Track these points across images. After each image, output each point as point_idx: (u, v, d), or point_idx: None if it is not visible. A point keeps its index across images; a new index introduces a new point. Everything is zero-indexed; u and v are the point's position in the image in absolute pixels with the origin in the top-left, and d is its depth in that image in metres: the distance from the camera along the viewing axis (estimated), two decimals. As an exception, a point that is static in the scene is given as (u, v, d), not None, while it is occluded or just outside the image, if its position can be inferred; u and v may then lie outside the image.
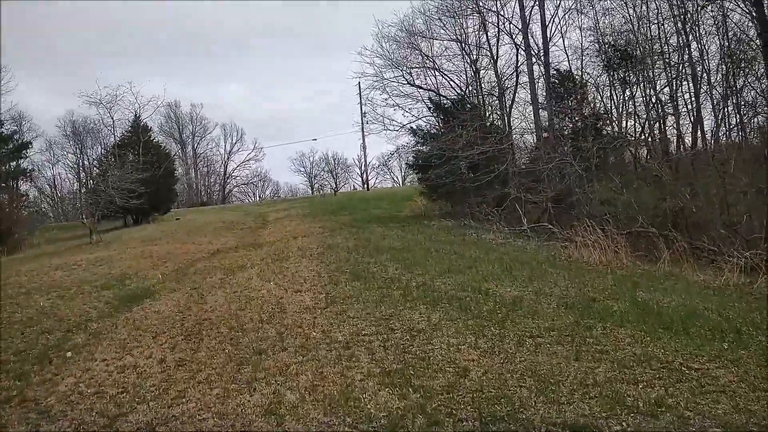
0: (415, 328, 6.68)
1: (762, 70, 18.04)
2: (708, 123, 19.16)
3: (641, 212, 15.34)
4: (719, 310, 7.27)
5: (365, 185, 53.32)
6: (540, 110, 21.15)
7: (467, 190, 21.57)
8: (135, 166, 24.91)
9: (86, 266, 14.10)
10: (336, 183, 51.96)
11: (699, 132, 18.64)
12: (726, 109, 19.25)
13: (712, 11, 18.74)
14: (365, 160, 51.48)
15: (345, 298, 8.69)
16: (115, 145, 29.04)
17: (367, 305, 8.09)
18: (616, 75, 20.96)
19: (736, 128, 19.48)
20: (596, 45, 21.25)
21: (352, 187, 58.33)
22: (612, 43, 20.37)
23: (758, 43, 17.71)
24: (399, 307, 7.83)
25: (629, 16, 20.40)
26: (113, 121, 29.27)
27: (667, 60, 19.80)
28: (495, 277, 9.90)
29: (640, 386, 4.59)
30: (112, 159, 26.95)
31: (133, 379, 5.80)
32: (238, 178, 70.04)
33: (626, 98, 21.33)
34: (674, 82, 19.80)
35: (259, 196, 66.31)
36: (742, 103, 18.63)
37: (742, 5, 17.67)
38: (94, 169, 35.03)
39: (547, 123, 21.08)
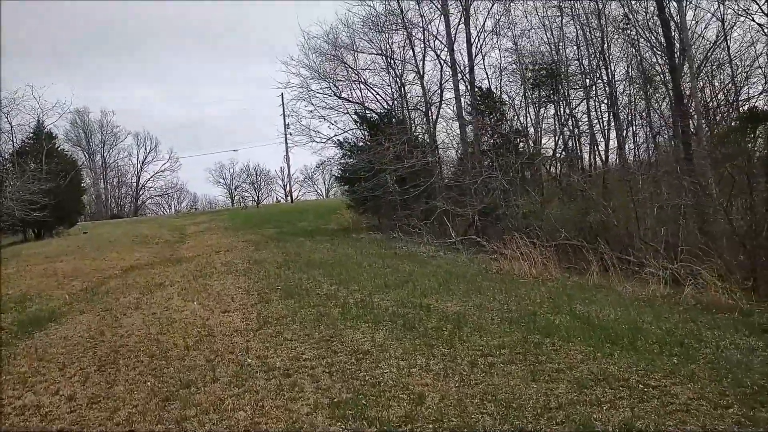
0: (360, 350, 6.24)
1: (662, 91, 19.28)
2: (621, 141, 20.15)
3: (566, 225, 15.79)
4: (657, 323, 7.36)
5: (289, 197, 52.24)
6: (465, 125, 21.42)
7: (395, 203, 21.48)
8: (37, 176, 22.78)
9: (-23, 287, 12.54)
10: (258, 195, 50.33)
11: (617, 149, 19.54)
12: (633, 128, 20.41)
13: (622, 38, 19.81)
14: (289, 172, 50.39)
15: (279, 318, 8.10)
16: (14, 153, 26.54)
17: (305, 325, 7.56)
18: (533, 94, 21.68)
19: (644, 146, 20.70)
20: (515, 65, 21.92)
21: (275, 200, 56.90)
22: (530, 63, 21.04)
23: (659, 69, 18.92)
24: (339, 327, 7.36)
25: (547, 38, 21.26)
26: (12, 127, 26.81)
27: (582, 81, 20.75)
28: (433, 292, 9.66)
29: (605, 408, 4.40)
30: (11, 167, 24.56)
31: (36, 422, 4.96)
32: (152, 189, 66.51)
33: (541, 117, 22.13)
34: (588, 102, 20.78)
35: (175, 209, 63.25)
36: (648, 123, 19.81)
37: (646, 34, 18.80)
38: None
39: (471, 138, 21.38)
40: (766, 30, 16.66)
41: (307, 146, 27.05)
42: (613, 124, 20.15)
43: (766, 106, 13.13)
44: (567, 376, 5.19)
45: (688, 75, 15.58)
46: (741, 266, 10.23)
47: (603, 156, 20.72)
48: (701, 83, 18.11)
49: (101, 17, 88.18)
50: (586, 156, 21.48)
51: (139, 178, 65.52)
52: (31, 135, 27.74)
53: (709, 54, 18.34)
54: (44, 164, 25.24)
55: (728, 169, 10.48)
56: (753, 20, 17.00)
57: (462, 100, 21.48)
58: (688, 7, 17.43)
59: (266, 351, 6.45)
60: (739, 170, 10.29)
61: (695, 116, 14.95)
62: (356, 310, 8.37)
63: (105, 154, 64.86)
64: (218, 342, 6.99)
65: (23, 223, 24.27)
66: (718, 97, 18.29)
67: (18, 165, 24.19)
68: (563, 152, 21.56)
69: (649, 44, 18.84)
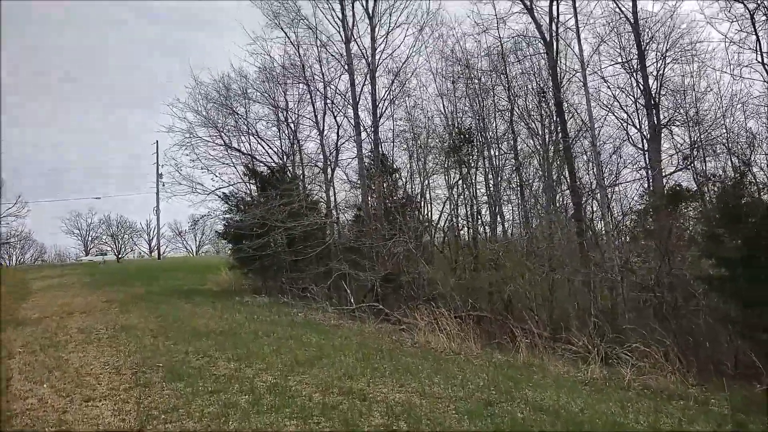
0: (300, 467, 4.49)
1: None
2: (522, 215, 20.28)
3: (471, 295, 15.04)
4: (630, 415, 6.45)
5: (156, 253, 47.57)
6: (367, 186, 20.49)
7: (284, 264, 19.66)
8: None
9: None
10: (119, 248, 45.20)
11: (519, 222, 19.58)
12: (517, 202, 20.66)
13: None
14: (158, 226, 46.04)
15: (167, 410, 6.03)
16: None
17: (207, 423, 5.60)
18: (422, 162, 21.41)
19: (540, 221, 21.01)
20: (408, 134, 21.71)
21: (138, 255, 51.61)
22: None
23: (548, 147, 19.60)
24: (256, 426, 5.51)
25: (443, 110, 21.35)
26: None
27: (482, 153, 20.91)
28: (358, 373, 8.06)
29: None
30: None
31: None
32: (-11, 236, 57.39)
33: (425, 186, 21.78)
34: (475, 173, 20.79)
35: (18, 260, 54.98)
36: (548, 197, 20.25)
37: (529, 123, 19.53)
38: None
39: (373, 201, 20.47)
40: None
41: (186, 198, 24.12)
42: (511, 197, 20.36)
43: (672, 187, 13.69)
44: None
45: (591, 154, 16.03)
46: (676, 346, 9.86)
47: (489, 229, 20.66)
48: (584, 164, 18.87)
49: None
50: (484, 228, 21.35)
51: (-25, 222, 56.36)
52: None
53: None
54: None
55: (654, 244, 10.30)
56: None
57: (363, 160, 20.62)
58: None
59: (159, 469, 4.45)
60: (664, 247, 10.13)
61: (598, 193, 15.24)
62: (271, 398, 6.53)
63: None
64: (81, 453, 4.83)
65: None
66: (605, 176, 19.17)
67: None
68: (460, 221, 21.29)
69: (541, 124, 19.51)
